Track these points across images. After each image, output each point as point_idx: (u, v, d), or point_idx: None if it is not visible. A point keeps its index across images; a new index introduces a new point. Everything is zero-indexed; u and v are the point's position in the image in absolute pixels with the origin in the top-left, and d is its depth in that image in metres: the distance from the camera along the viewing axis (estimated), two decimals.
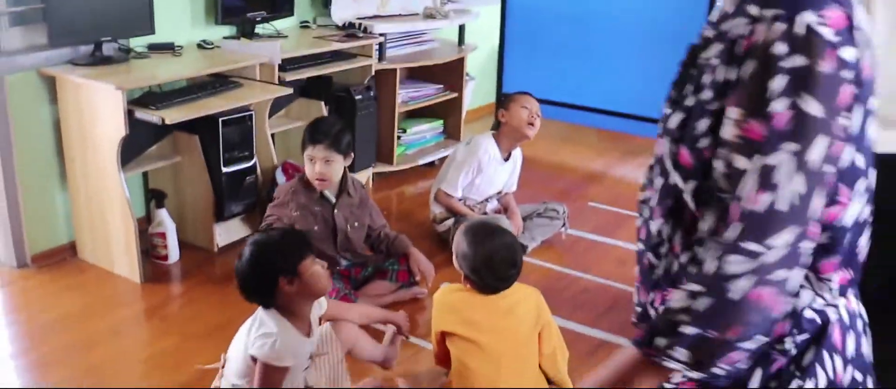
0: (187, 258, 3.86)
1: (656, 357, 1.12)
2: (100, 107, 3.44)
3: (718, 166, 1.14)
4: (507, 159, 4.10)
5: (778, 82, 1.04)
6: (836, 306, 1.21)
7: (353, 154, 3.49)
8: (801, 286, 1.16)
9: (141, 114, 3.46)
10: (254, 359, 2.36)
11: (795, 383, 1.20)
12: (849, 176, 1.12)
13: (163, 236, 3.76)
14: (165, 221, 3.77)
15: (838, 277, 1.19)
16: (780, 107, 1.04)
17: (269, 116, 4.20)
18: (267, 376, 2.33)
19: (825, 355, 1.20)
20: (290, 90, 4.12)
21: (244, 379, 2.42)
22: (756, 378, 1.20)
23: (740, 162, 1.08)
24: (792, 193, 1.04)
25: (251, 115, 3.91)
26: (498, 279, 2.52)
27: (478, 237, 2.55)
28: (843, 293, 1.21)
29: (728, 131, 1.10)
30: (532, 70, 5.47)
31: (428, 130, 5.33)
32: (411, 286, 3.55)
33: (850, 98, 1.06)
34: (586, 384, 1.22)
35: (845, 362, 1.23)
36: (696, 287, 1.08)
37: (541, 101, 4.04)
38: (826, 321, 1.20)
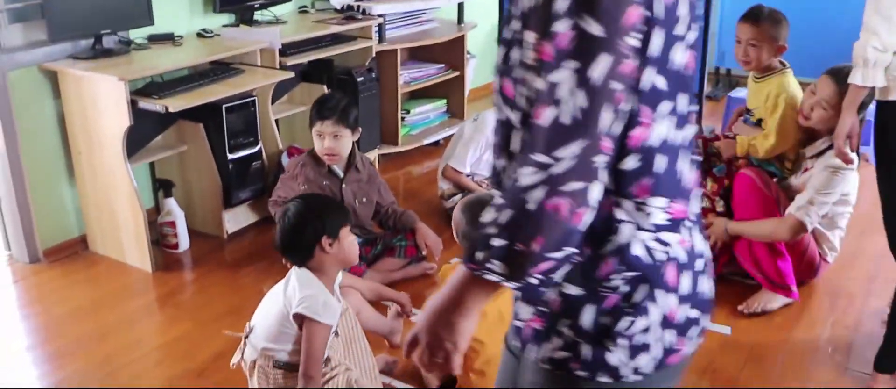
0: (197, 245, 3.88)
1: (478, 271, 1.16)
2: (103, 99, 3.46)
3: (522, 90, 1.21)
4: None
5: (560, 4, 1.09)
6: (667, 243, 1.23)
7: (360, 129, 3.53)
8: (622, 221, 1.20)
9: (144, 104, 3.48)
10: (298, 319, 2.37)
11: (627, 320, 1.23)
12: (650, 98, 1.17)
13: (172, 225, 3.79)
14: (174, 210, 3.79)
15: (662, 205, 1.22)
16: (562, 27, 1.09)
17: (272, 101, 4.20)
18: (315, 334, 2.35)
19: (658, 293, 1.24)
20: (291, 74, 4.13)
21: (276, 343, 2.44)
22: (588, 315, 1.24)
23: (537, 83, 1.14)
24: (574, 107, 1.08)
25: (254, 101, 3.92)
26: None
27: (476, 213, 2.55)
28: (675, 228, 1.23)
29: (527, 55, 1.17)
30: None
31: (431, 109, 5.34)
32: (420, 262, 3.57)
33: (638, 19, 1.10)
34: (428, 305, 1.26)
35: (680, 299, 1.26)
36: (500, 201, 1.14)
37: None
38: (656, 259, 1.22)
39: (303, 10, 4.86)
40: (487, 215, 1.15)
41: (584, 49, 1.08)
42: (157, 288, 3.53)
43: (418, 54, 5.33)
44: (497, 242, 1.13)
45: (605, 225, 1.20)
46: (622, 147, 1.16)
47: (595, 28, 1.08)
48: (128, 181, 3.53)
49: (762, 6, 3.41)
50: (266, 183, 4.03)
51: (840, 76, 3.08)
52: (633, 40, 1.11)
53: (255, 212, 4.09)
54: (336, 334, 2.52)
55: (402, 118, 5.08)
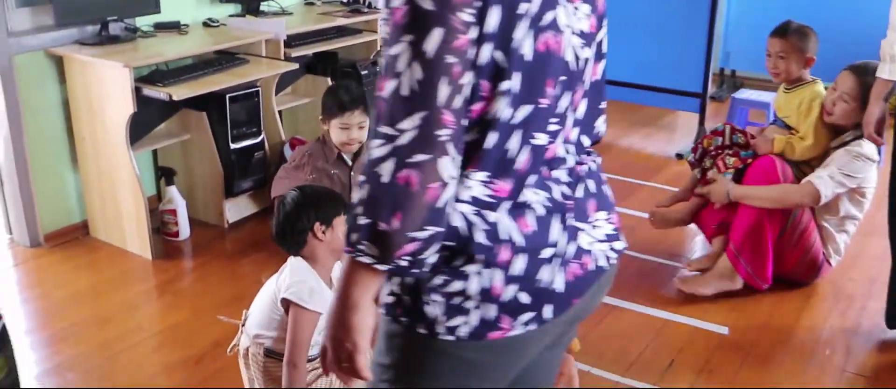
0: (198, 234, 3.89)
1: (353, 253, 1.18)
2: (108, 85, 3.47)
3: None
4: None
5: None
6: (489, 220, 1.24)
7: None
8: (492, 195, 1.23)
9: (148, 91, 3.49)
10: (285, 305, 2.38)
11: (441, 278, 1.25)
12: (488, 72, 1.19)
13: (173, 213, 3.79)
14: (175, 198, 3.80)
15: (482, 178, 1.24)
16: (397, 2, 1.13)
17: (276, 92, 4.21)
18: (301, 320, 2.35)
19: (479, 264, 1.25)
20: (296, 65, 4.14)
21: (266, 330, 2.45)
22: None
23: (383, 57, 1.19)
24: (411, 79, 1.11)
25: (258, 91, 3.92)
26: None
27: None
28: (496, 206, 1.25)
29: (382, 30, 1.20)
30: None
31: None
32: None
33: None
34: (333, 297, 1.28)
35: (508, 279, 1.26)
36: (361, 178, 1.16)
37: None
38: (474, 231, 1.24)
39: (309, 3, 4.86)
40: (355, 195, 1.18)
41: (418, 23, 1.12)
42: (157, 275, 3.54)
43: None
44: (362, 220, 1.15)
45: None
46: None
47: (427, 2, 1.11)
48: (130, 168, 3.53)
49: (791, 21, 3.52)
50: (268, 174, 4.03)
51: (859, 70, 3.22)
52: (466, 15, 1.13)
53: (257, 202, 4.09)
54: None
55: None
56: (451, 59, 1.12)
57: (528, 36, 1.21)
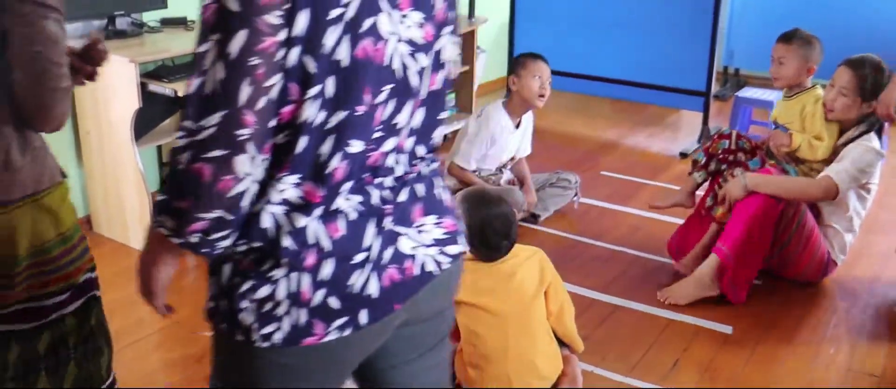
0: None
1: (155, 223, 1.24)
2: (113, 80, 3.47)
3: None
4: (518, 126, 4.10)
5: None
6: (298, 224, 1.26)
7: None
8: (303, 199, 1.25)
9: (154, 86, 3.49)
10: None
11: (249, 283, 1.28)
12: (297, 76, 1.20)
13: None
14: None
15: (293, 181, 1.25)
16: (207, 2, 1.15)
17: None
18: None
19: (284, 269, 1.27)
20: None
21: None
22: (226, 272, 1.30)
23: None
24: (214, 78, 1.13)
25: None
26: (490, 248, 2.54)
27: (474, 205, 2.56)
28: (309, 210, 1.26)
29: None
30: (543, 41, 5.42)
31: None
32: None
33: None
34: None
35: (316, 284, 1.28)
36: (169, 160, 1.22)
37: (552, 72, 4.01)
38: (282, 235, 1.26)
39: None
40: (165, 178, 1.23)
41: (224, 24, 1.13)
42: None
43: None
44: (162, 197, 1.21)
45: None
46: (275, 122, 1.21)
47: (233, 4, 1.12)
48: (134, 164, 3.54)
49: (799, 29, 3.53)
50: None
51: (855, 64, 3.26)
52: (273, 18, 1.14)
53: None
54: None
55: None
56: (255, 60, 1.14)
57: (344, 41, 1.21)
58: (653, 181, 4.60)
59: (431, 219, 1.41)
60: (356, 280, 1.30)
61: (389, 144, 1.32)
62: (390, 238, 1.34)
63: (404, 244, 1.36)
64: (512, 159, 4.17)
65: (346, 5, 1.19)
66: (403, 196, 1.36)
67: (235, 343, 1.32)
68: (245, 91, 1.14)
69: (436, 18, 1.35)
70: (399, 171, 1.36)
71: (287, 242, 1.25)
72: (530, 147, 4.27)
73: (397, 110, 1.31)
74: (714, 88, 5.34)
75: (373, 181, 1.32)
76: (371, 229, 1.31)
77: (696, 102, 5.27)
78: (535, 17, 5.76)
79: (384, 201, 1.33)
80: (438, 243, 1.42)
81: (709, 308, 3.23)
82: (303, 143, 1.23)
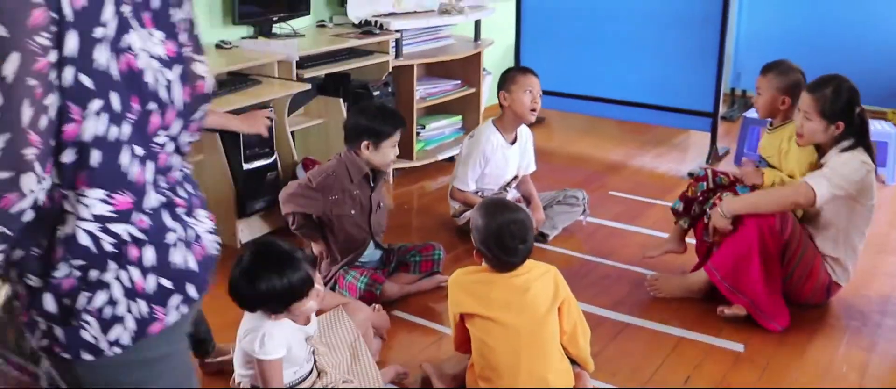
0: None
1: None
2: None
3: None
4: (513, 142, 4.10)
5: None
6: (116, 234, 1.31)
7: None
8: (67, 212, 1.28)
9: None
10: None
11: (85, 296, 1.31)
12: (76, 95, 1.24)
13: None
14: None
15: (100, 196, 1.29)
16: None
17: (289, 113, 4.23)
18: (261, 368, 2.41)
19: (113, 271, 1.32)
20: (308, 86, 4.16)
21: (244, 369, 2.50)
22: (49, 300, 1.32)
23: None
24: None
25: (271, 111, 3.94)
26: (507, 252, 2.53)
27: (490, 211, 2.59)
28: (126, 218, 1.31)
29: None
30: (549, 63, 5.45)
31: (446, 125, 5.36)
32: (433, 276, 3.57)
33: (44, 21, 1.18)
34: None
35: (144, 271, 1.34)
36: None
37: (558, 94, 4.02)
38: (104, 249, 1.30)
39: (321, 25, 4.89)
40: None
41: None
42: None
43: (434, 70, 5.35)
44: None
45: (57, 217, 1.28)
46: (60, 141, 1.24)
47: (1, 29, 1.15)
48: None
49: (784, 61, 3.55)
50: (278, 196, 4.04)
51: (813, 86, 3.23)
52: (42, 40, 1.18)
53: (269, 223, 4.10)
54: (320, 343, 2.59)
55: (418, 133, 5.10)
56: (31, 81, 1.17)
57: (112, 59, 1.26)
58: (660, 201, 4.59)
59: (202, 213, 1.51)
60: (176, 258, 1.39)
61: (169, 147, 1.39)
62: (184, 224, 1.42)
63: (197, 228, 1.46)
64: (515, 177, 4.17)
65: (105, 25, 1.24)
66: (183, 193, 1.44)
67: (87, 364, 1.35)
68: (27, 113, 1.17)
69: (177, 38, 1.41)
70: (176, 173, 1.43)
71: (108, 247, 1.30)
72: (534, 164, 4.27)
73: (163, 118, 1.37)
74: (721, 109, 5.34)
75: (164, 180, 1.39)
76: (168, 216, 1.38)
77: (703, 122, 5.27)
78: (541, 39, 5.79)
79: (176, 195, 1.41)
80: (213, 232, 1.53)
81: (720, 327, 3.22)
82: (97, 157, 1.27)
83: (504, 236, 2.51)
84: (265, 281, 2.35)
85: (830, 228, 3.26)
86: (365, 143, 3.39)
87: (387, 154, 3.43)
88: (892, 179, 4.93)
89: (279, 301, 2.38)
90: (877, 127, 5.07)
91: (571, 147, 5.64)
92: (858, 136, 3.20)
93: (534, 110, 3.98)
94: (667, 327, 3.24)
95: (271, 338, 2.38)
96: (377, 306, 3.17)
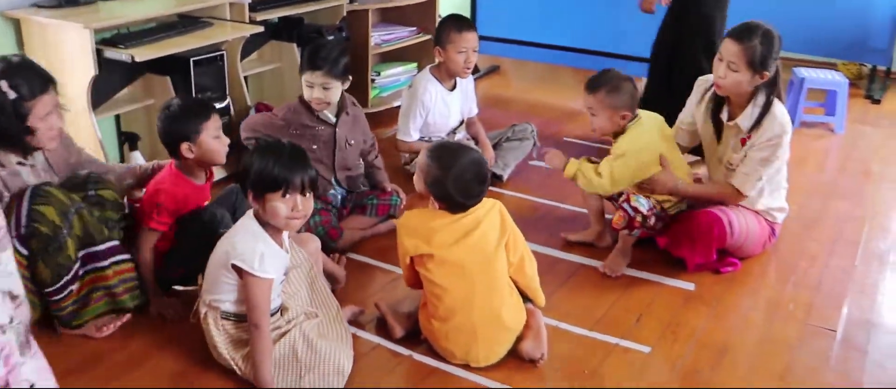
0: None
1: None
2: (68, 48, 3.41)
3: None
4: (453, 89, 4.09)
5: None
6: None
7: (350, 77, 3.50)
8: None
9: (110, 53, 3.44)
10: (237, 271, 2.38)
11: None
12: None
13: None
14: (140, 162, 3.74)
15: None
16: None
17: (242, 58, 4.17)
18: (254, 286, 2.38)
19: None
20: (261, 28, 4.09)
21: (220, 294, 2.47)
22: None
23: None
24: None
25: (223, 55, 3.88)
26: (468, 196, 2.53)
27: (444, 157, 2.55)
28: None
29: None
30: (505, 10, 5.44)
31: (402, 72, 5.31)
32: (389, 220, 3.57)
33: None
34: None
35: None
36: None
37: (514, 42, 4.00)
38: None
39: None
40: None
41: None
42: None
43: (390, 16, 5.30)
44: None
45: None
46: None
47: None
48: (92, 132, 3.48)
49: (606, 71, 3.33)
50: (234, 139, 3.98)
51: (740, 35, 3.12)
52: None
53: (223, 167, 4.04)
54: (286, 276, 2.57)
55: (372, 80, 5.06)
56: None
57: None
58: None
59: None
60: None
61: None
62: None
63: None
64: (461, 122, 4.17)
65: None
66: None
67: None
68: None
69: None
70: None
71: None
72: (476, 107, 4.27)
73: None
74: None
75: None
76: None
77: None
78: None
79: None
80: None
81: (671, 268, 3.26)
82: None
83: (465, 181, 2.51)
84: (268, 153, 2.39)
85: (760, 190, 3.27)
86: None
87: (306, 90, 3.41)
88: (840, 127, 5.00)
89: (257, 181, 2.37)
90: (827, 77, 5.14)
91: (527, 95, 5.63)
92: (774, 85, 3.17)
93: (468, 68, 3.97)
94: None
95: (268, 258, 2.37)
96: (335, 254, 3.17)
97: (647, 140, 3.23)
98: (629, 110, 3.22)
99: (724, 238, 3.17)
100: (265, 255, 2.37)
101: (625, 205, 3.17)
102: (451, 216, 2.56)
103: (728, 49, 3.13)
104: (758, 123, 3.16)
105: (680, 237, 3.22)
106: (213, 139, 2.84)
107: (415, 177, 2.64)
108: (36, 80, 2.62)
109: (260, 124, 3.50)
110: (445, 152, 2.59)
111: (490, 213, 2.59)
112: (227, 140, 2.90)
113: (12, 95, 2.54)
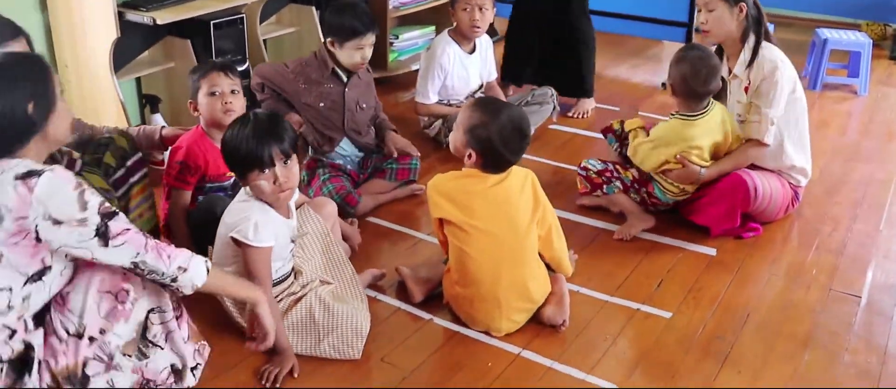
0: None
1: None
2: (90, 11, 3.41)
3: None
4: (472, 51, 4.07)
5: None
6: None
7: None
8: None
9: (132, 16, 3.44)
10: (235, 243, 2.40)
11: None
12: None
13: None
14: (161, 124, 3.75)
15: None
16: None
17: (261, 21, 4.16)
18: (252, 257, 2.39)
19: None
20: None
21: (227, 265, 2.48)
22: None
23: None
24: None
25: (242, 18, 3.87)
26: (512, 151, 2.49)
27: (490, 109, 2.50)
28: None
29: None
30: None
31: (419, 36, 5.29)
32: (409, 183, 3.57)
33: None
34: None
35: None
36: None
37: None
38: None
39: None
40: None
41: None
42: None
43: None
44: None
45: None
46: None
47: None
48: (114, 94, 3.49)
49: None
50: (253, 102, 3.99)
51: None
52: None
53: None
54: (296, 243, 2.58)
55: (391, 44, 5.04)
56: None
57: None
58: (635, 110, 4.60)
59: None
60: None
61: None
62: None
63: None
64: (481, 86, 4.15)
65: None
66: None
67: None
68: None
69: None
70: None
71: None
72: (495, 71, 4.25)
73: None
74: (696, 18, 5.31)
75: None
76: None
77: (678, 33, 5.25)
78: None
79: None
80: None
81: (693, 234, 3.25)
82: None
83: (509, 131, 2.46)
84: (235, 133, 2.36)
85: (781, 142, 3.25)
86: (330, 40, 3.37)
87: (351, 55, 3.39)
88: (864, 89, 4.95)
89: (232, 164, 2.40)
90: (850, 37, 5.09)
91: None
92: (759, 23, 3.18)
93: (477, 27, 3.93)
94: (640, 233, 3.26)
95: (264, 225, 2.37)
96: (351, 219, 3.19)
97: (673, 138, 3.20)
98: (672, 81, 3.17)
99: (749, 201, 3.16)
100: (259, 224, 2.36)
101: (578, 169, 3.34)
102: (486, 180, 2.51)
103: None
104: (750, 63, 3.19)
105: (703, 205, 3.21)
106: (205, 96, 2.85)
107: (452, 134, 2.59)
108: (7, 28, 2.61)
109: (270, 72, 3.49)
110: (491, 103, 2.56)
111: (523, 183, 2.55)
112: (239, 101, 2.88)
113: None
